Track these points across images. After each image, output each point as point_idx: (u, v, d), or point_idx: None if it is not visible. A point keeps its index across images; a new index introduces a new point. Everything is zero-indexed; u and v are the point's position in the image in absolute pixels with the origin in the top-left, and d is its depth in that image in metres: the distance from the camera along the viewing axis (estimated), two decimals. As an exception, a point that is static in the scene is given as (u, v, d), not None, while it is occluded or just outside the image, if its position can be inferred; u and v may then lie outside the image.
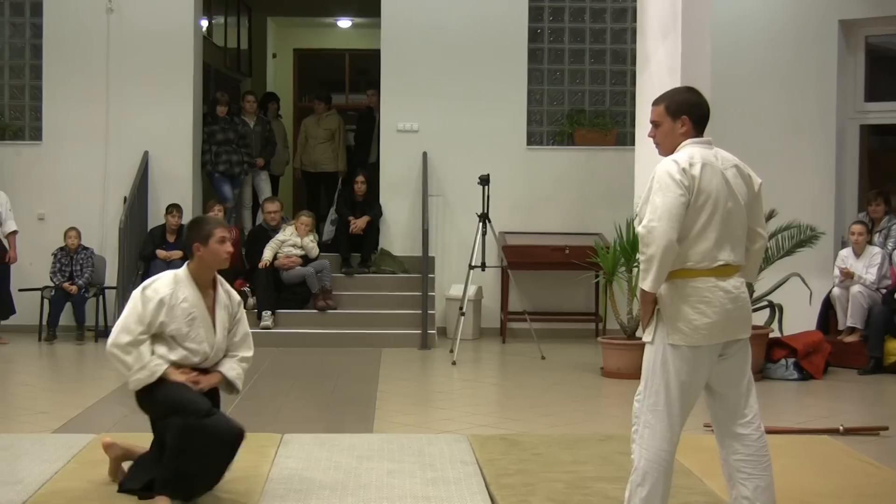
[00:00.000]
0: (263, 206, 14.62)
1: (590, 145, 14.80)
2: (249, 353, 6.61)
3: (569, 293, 14.54)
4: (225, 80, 18.23)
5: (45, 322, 13.76)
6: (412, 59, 14.99)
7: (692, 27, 11.39)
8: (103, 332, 13.83)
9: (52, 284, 13.83)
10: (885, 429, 8.71)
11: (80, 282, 13.79)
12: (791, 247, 11.63)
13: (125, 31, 14.66)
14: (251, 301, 13.65)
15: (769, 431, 8.50)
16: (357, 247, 14.82)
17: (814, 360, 11.45)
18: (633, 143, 12.37)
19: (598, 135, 14.83)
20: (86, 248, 14.06)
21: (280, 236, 13.96)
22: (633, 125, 13.13)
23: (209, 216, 6.77)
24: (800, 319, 12.14)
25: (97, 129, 14.68)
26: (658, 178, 5.31)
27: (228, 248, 6.35)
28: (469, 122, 14.87)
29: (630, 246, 11.42)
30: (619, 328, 11.80)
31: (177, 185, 14.63)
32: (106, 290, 14.12)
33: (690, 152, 5.38)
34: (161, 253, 13.81)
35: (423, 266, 13.98)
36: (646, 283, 5.28)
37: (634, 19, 13.02)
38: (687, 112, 5.49)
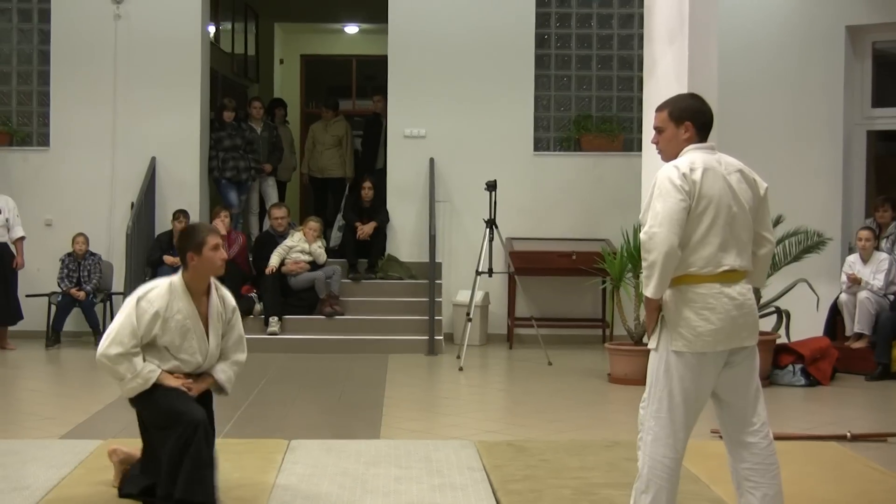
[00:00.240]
0: (270, 211, 14.62)
1: (597, 151, 14.80)
2: (243, 357, 6.55)
3: (576, 299, 14.54)
4: (232, 85, 18.25)
5: (49, 327, 13.76)
6: (419, 64, 15.00)
7: (699, 33, 11.37)
8: (110, 338, 13.84)
9: (59, 290, 13.84)
10: (893, 435, 8.69)
11: (88, 287, 13.81)
12: (798, 252, 11.63)
13: (133, 37, 14.68)
14: (258, 307, 13.66)
15: (776, 437, 8.50)
16: (364, 252, 14.84)
17: (821, 367, 11.43)
18: (640, 149, 12.38)
19: (605, 140, 14.83)
20: (93, 254, 14.07)
21: (288, 242, 13.97)
22: (640, 131, 13.14)
23: (201, 224, 6.72)
24: (807, 325, 12.11)
25: (104, 134, 14.71)
26: (658, 183, 5.30)
27: (222, 254, 6.29)
28: (476, 127, 14.88)
29: (637, 252, 11.41)
30: (626, 334, 11.79)
31: (184, 191, 14.65)
32: (113, 296, 14.13)
33: (692, 158, 5.38)
34: (168, 259, 13.80)
35: (430, 272, 13.98)
36: (649, 290, 5.27)
37: (641, 25, 13.00)
38: (690, 118, 5.48)
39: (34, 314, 13.88)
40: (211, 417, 6.37)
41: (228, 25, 18.71)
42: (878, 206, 13.01)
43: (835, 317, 12.62)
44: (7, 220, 13.62)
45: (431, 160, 14.84)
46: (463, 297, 13.90)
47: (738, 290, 5.37)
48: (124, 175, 14.63)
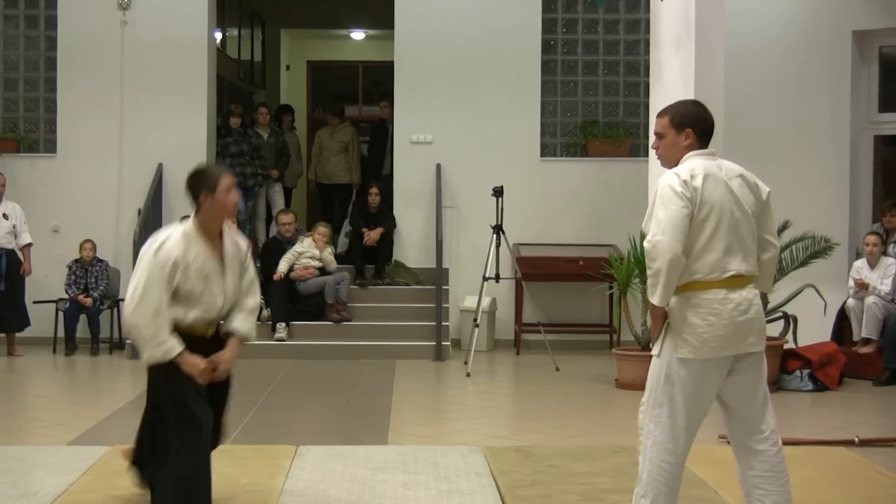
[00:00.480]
0: (277, 218, 14.62)
1: (603, 156, 14.80)
2: (256, 301, 6.41)
3: (583, 304, 14.53)
4: (238, 92, 18.28)
5: (62, 335, 13.77)
6: (425, 70, 15.01)
7: (705, 38, 11.38)
8: (118, 344, 13.89)
9: (66, 297, 13.86)
10: (901, 440, 8.69)
11: (95, 294, 13.82)
12: (805, 258, 11.61)
13: (139, 43, 14.71)
14: (266, 313, 13.66)
15: (784, 443, 8.49)
16: (371, 258, 14.84)
17: (828, 372, 11.42)
18: (646, 155, 12.38)
19: (612, 146, 14.83)
20: (100, 261, 14.09)
21: (297, 248, 13.97)
22: (646, 136, 13.14)
23: (213, 165, 6.48)
24: (814, 330, 12.10)
25: (111, 141, 14.73)
26: (660, 191, 5.31)
27: (235, 197, 6.13)
28: (482, 133, 14.88)
29: (644, 257, 11.41)
30: (634, 339, 11.78)
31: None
32: (120, 303, 14.12)
33: (692, 164, 5.39)
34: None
35: (437, 277, 13.98)
36: (655, 298, 5.28)
37: (647, 31, 13.00)
38: (691, 125, 5.49)
39: (41, 321, 13.89)
40: (220, 414, 6.33)
41: (235, 31, 18.74)
42: (885, 210, 13.01)
43: (842, 322, 12.61)
44: (14, 226, 13.62)
45: (438, 166, 14.85)
46: (470, 302, 13.90)
47: (744, 296, 5.36)
48: (131, 181, 14.66)
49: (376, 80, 20.23)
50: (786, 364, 11.43)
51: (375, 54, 20.50)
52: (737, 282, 5.34)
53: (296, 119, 17.83)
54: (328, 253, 14.05)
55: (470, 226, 14.71)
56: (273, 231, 14.90)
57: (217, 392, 6.23)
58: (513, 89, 14.94)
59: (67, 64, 14.83)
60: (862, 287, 12.19)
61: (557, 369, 12.58)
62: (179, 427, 5.92)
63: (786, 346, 11.55)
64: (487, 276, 12.97)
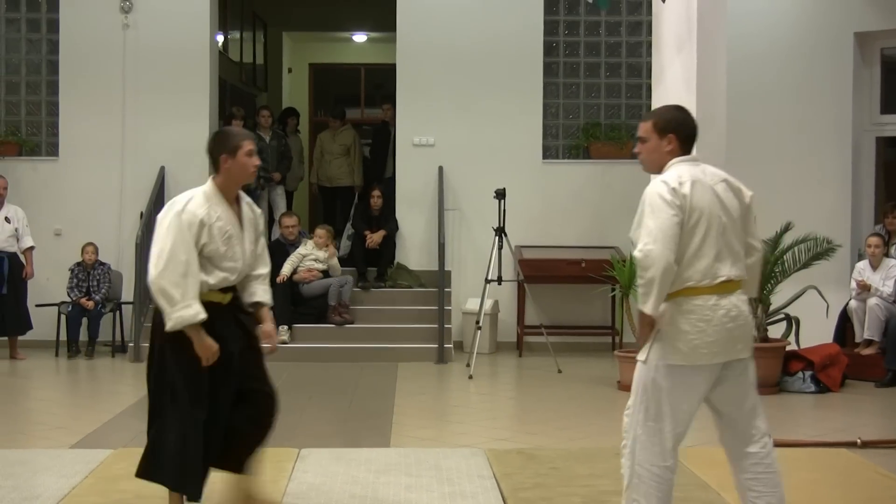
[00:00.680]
0: (281, 220, 14.61)
1: (605, 159, 14.79)
2: (268, 269, 6.34)
3: (585, 307, 14.52)
4: (240, 94, 18.29)
5: (64, 338, 13.77)
6: (427, 73, 15.01)
7: (707, 40, 11.37)
8: (120, 348, 13.88)
9: (68, 300, 13.86)
10: (904, 442, 8.69)
11: (97, 297, 13.82)
12: (807, 259, 11.60)
13: (141, 46, 14.71)
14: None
15: (787, 444, 8.51)
16: (373, 261, 14.84)
17: (831, 373, 11.41)
18: (648, 157, 12.35)
19: (614, 148, 14.82)
20: (102, 264, 14.09)
21: (301, 250, 13.97)
22: (648, 139, 13.12)
23: (235, 128, 6.35)
24: (816, 332, 12.09)
25: (113, 144, 14.74)
26: (649, 200, 5.30)
27: (256, 160, 6.06)
28: (485, 135, 14.88)
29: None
30: (636, 342, 11.76)
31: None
32: (122, 306, 14.13)
33: (678, 171, 5.38)
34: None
35: (440, 280, 13.98)
36: (647, 307, 5.25)
37: (650, 33, 13.00)
38: (674, 130, 5.48)
39: (44, 324, 13.88)
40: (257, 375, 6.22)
41: (237, 34, 18.76)
42: (887, 212, 13.01)
43: (844, 323, 12.60)
44: (16, 229, 13.63)
45: (440, 168, 14.85)
46: (472, 305, 13.90)
47: (734, 302, 5.36)
48: (133, 184, 14.66)
49: (378, 83, 20.23)
50: (788, 366, 11.42)
51: (377, 57, 20.50)
52: (727, 287, 5.34)
53: (298, 122, 17.84)
54: (335, 261, 14.10)
55: (472, 228, 14.71)
56: (276, 234, 14.88)
57: (245, 360, 6.11)
58: (515, 91, 14.94)
59: (69, 67, 14.84)
60: (864, 289, 12.19)
61: (560, 371, 12.58)
62: (174, 402, 5.90)
63: (788, 348, 11.54)
64: (490, 278, 12.97)
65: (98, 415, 9.89)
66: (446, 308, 13.92)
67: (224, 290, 6.03)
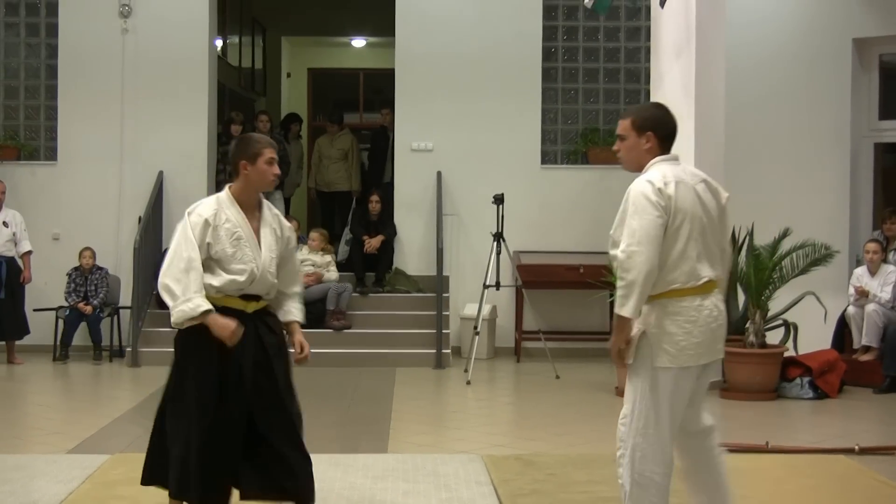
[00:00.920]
0: (280, 224, 14.58)
1: (604, 164, 14.76)
2: (299, 289, 6.34)
3: (583, 312, 14.51)
4: (239, 99, 18.29)
5: (58, 342, 13.76)
6: (426, 78, 15.00)
7: (706, 45, 11.40)
8: (118, 352, 13.87)
9: (66, 304, 13.85)
10: (902, 448, 8.68)
11: (95, 302, 13.81)
12: (806, 265, 11.60)
13: (140, 51, 14.71)
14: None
15: (785, 451, 8.51)
16: (371, 266, 14.84)
17: (829, 379, 11.41)
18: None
19: (613, 154, 14.71)
20: (100, 268, 14.08)
21: (299, 255, 13.96)
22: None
23: (258, 135, 6.33)
24: (815, 338, 12.09)
25: (112, 148, 14.73)
26: (633, 199, 5.28)
27: (276, 170, 6.03)
28: (483, 141, 14.88)
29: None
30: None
31: (191, 205, 14.59)
32: (120, 310, 14.12)
33: (662, 171, 5.36)
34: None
35: (438, 285, 13.98)
36: (626, 310, 5.22)
37: (648, 38, 13.02)
38: (652, 128, 5.47)
39: (41, 328, 13.87)
40: (288, 414, 6.14)
41: (236, 39, 18.76)
42: (885, 218, 13.00)
43: (842, 329, 12.59)
44: (14, 234, 13.63)
45: (439, 173, 14.84)
46: (470, 310, 13.89)
47: (714, 302, 5.40)
48: (132, 189, 14.65)
49: (377, 88, 20.24)
50: (786, 372, 11.43)
51: (376, 62, 20.51)
52: (708, 288, 5.37)
53: (301, 128, 17.85)
54: (333, 268, 14.11)
55: (470, 233, 14.70)
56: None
57: (268, 375, 6.05)
58: (513, 97, 14.93)
59: (68, 72, 14.84)
60: (862, 295, 12.18)
61: (558, 377, 12.57)
62: (182, 410, 5.89)
63: (786, 354, 11.55)
64: (488, 283, 12.96)
65: (95, 419, 9.88)
66: (444, 313, 13.92)
67: (247, 298, 5.98)
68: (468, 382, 12.26)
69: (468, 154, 14.89)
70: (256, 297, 6.02)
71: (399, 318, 14.27)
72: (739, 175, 12.77)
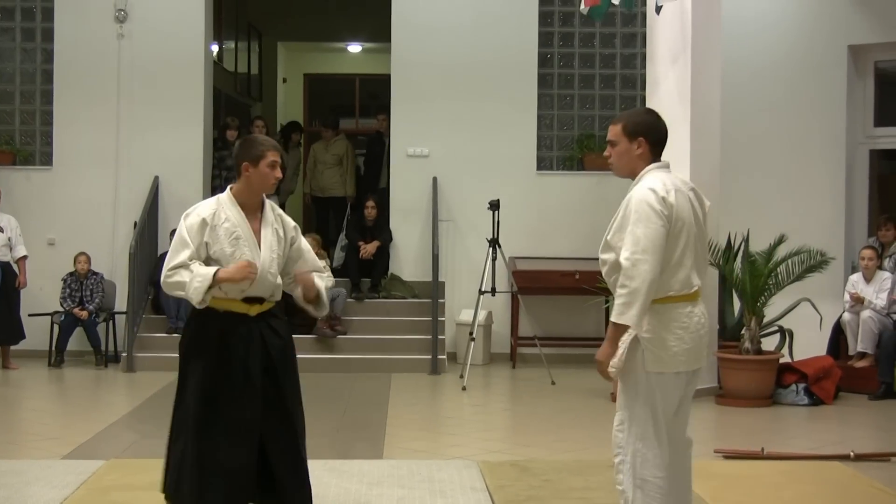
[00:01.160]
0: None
1: (600, 170, 14.71)
2: (326, 273, 6.28)
3: (579, 318, 14.50)
4: (235, 104, 18.28)
5: (53, 347, 13.75)
6: (422, 83, 15.00)
7: (702, 52, 11.41)
8: (113, 358, 13.85)
9: (62, 309, 13.83)
10: (897, 455, 8.69)
11: (91, 307, 13.79)
12: (801, 272, 11.60)
13: (136, 56, 14.70)
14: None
15: (780, 457, 8.51)
16: (367, 272, 14.83)
17: (824, 386, 11.42)
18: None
19: (608, 160, 14.78)
20: (95, 273, 14.06)
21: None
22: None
23: (263, 137, 6.27)
24: (810, 344, 12.10)
25: (108, 153, 14.71)
26: (636, 207, 5.26)
27: (278, 173, 5.98)
28: (479, 147, 14.87)
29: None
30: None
31: (187, 210, 14.60)
32: (116, 315, 14.11)
33: (661, 179, 5.36)
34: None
35: (433, 291, 13.97)
36: (628, 318, 5.18)
37: (644, 44, 13.03)
38: (644, 133, 5.46)
39: (37, 334, 13.85)
40: (294, 432, 6.10)
41: (231, 44, 18.75)
42: (880, 224, 13.02)
43: (838, 336, 12.60)
44: (9, 239, 13.62)
45: (434, 179, 14.84)
46: (466, 316, 13.89)
47: (701, 310, 5.44)
48: (127, 194, 14.63)
49: (373, 94, 20.24)
50: (782, 378, 11.43)
51: (372, 67, 20.51)
52: (697, 295, 5.41)
53: (301, 136, 17.86)
54: (329, 280, 14.07)
55: (466, 239, 14.70)
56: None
57: (274, 384, 6.00)
58: (509, 103, 14.93)
59: (64, 76, 14.82)
60: (858, 301, 12.19)
61: (553, 383, 12.57)
62: (184, 420, 5.81)
63: (782, 361, 11.56)
64: (483, 289, 12.97)
65: (90, 425, 9.87)
66: (440, 319, 13.91)
67: (249, 301, 5.91)
68: (464, 388, 12.26)
69: (464, 160, 14.88)
70: (260, 300, 5.95)
71: (395, 323, 14.26)
72: (735, 181, 12.80)
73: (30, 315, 13.89)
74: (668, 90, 11.57)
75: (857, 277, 12.49)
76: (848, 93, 13.74)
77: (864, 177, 14.01)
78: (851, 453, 8.56)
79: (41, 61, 14.99)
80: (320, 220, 17.06)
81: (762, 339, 11.53)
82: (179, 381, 5.94)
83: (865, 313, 12.10)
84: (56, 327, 13.79)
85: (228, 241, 5.83)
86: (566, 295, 14.19)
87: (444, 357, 13.71)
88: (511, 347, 14.43)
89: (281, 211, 6.18)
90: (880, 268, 12.45)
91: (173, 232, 13.79)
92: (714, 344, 11.33)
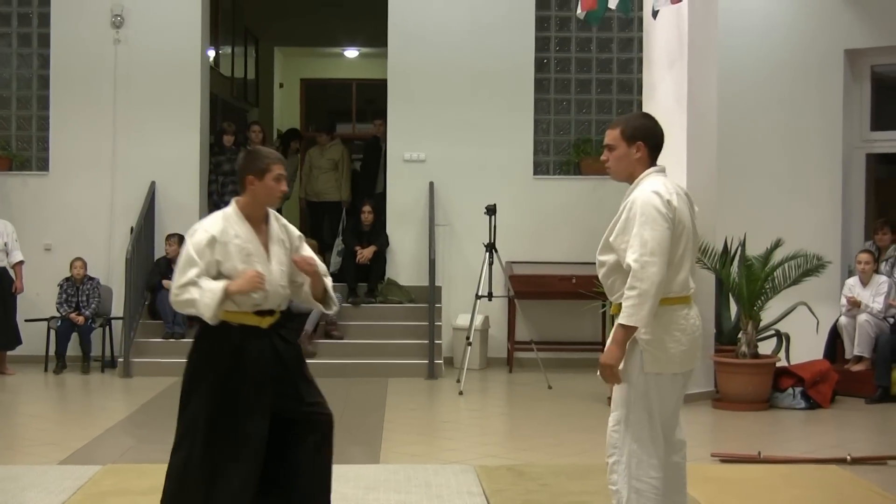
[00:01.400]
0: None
1: (596, 175, 14.75)
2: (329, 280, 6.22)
3: (575, 322, 14.50)
4: (232, 109, 18.28)
5: (52, 353, 13.73)
6: (419, 88, 15.01)
7: (698, 56, 11.42)
8: (110, 363, 13.84)
9: (58, 315, 13.82)
10: (893, 458, 8.67)
11: (87, 312, 13.78)
12: (798, 276, 11.60)
13: (132, 61, 14.69)
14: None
15: (777, 461, 8.51)
16: (364, 277, 14.83)
17: (821, 389, 11.42)
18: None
19: (605, 164, 14.77)
20: (92, 279, 14.06)
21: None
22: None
23: (267, 150, 6.19)
24: (807, 348, 12.10)
25: (104, 159, 14.71)
26: (643, 210, 5.28)
27: (284, 186, 5.92)
28: (475, 151, 14.87)
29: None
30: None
31: (183, 215, 14.59)
32: (112, 321, 14.10)
33: (664, 183, 5.40)
34: (167, 283, 13.78)
35: (430, 296, 13.97)
36: (638, 319, 5.21)
37: (641, 49, 13.03)
38: (642, 137, 5.49)
39: (33, 339, 13.83)
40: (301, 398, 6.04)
41: (228, 49, 18.76)
42: (877, 228, 13.02)
43: (835, 340, 12.60)
44: (6, 244, 13.61)
45: (431, 184, 14.84)
46: (463, 320, 13.88)
47: (696, 312, 5.49)
48: (124, 199, 14.62)
49: (370, 98, 20.24)
50: (778, 382, 11.43)
51: (369, 72, 20.52)
52: (691, 297, 5.44)
53: (301, 143, 17.87)
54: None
55: (463, 244, 14.70)
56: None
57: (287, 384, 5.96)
58: (506, 107, 14.93)
59: (60, 82, 14.81)
60: (854, 305, 12.19)
61: (550, 387, 12.57)
62: (190, 433, 5.74)
63: (778, 364, 11.55)
64: (480, 294, 12.96)
65: (87, 430, 9.86)
66: (437, 324, 13.90)
67: (261, 314, 5.85)
68: (460, 393, 12.25)
69: (460, 164, 14.88)
70: (270, 312, 5.91)
71: (391, 328, 14.26)
72: (731, 185, 12.80)
73: (26, 320, 13.88)
74: (664, 94, 11.58)
75: (853, 281, 12.49)
76: (844, 97, 13.75)
77: (861, 181, 14.01)
78: (848, 457, 8.56)
79: (38, 66, 14.98)
80: (315, 224, 17.04)
81: (759, 343, 11.53)
82: (186, 391, 5.85)
83: (862, 317, 12.10)
84: (53, 332, 13.78)
85: (240, 258, 5.76)
86: (563, 299, 14.19)
87: (441, 362, 13.70)
88: (508, 352, 14.42)
89: (284, 220, 6.14)
90: (877, 271, 12.45)
91: (169, 237, 13.91)
92: (709, 347, 11.33)
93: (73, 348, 13.87)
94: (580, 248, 14.43)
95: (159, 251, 14.51)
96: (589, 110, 15.22)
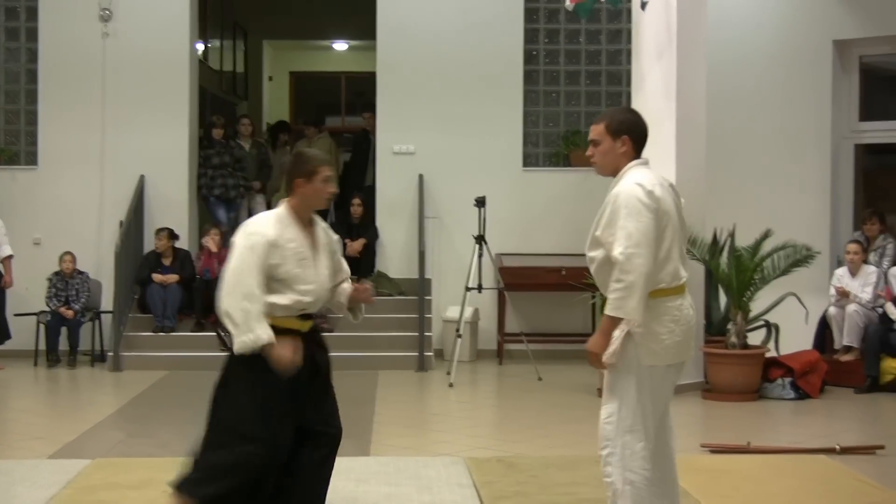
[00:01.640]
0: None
1: (586, 166, 14.56)
2: (349, 273, 6.37)
3: (565, 314, 14.50)
4: (221, 103, 18.25)
5: (43, 348, 13.70)
6: (408, 81, 14.99)
7: (687, 48, 11.42)
8: (99, 357, 13.82)
9: (47, 309, 13.80)
10: (882, 447, 8.69)
11: (76, 306, 13.76)
12: (787, 266, 11.61)
13: (121, 55, 14.66)
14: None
15: (766, 451, 8.53)
16: (353, 269, 14.64)
17: (810, 380, 11.44)
18: (628, 164, 12.37)
19: (593, 157, 14.79)
20: (81, 273, 14.04)
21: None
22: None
23: (314, 152, 6.18)
24: (796, 339, 12.12)
25: (93, 153, 14.68)
26: (626, 202, 5.31)
27: (332, 188, 5.94)
28: (465, 144, 14.87)
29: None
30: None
31: (173, 209, 14.62)
32: (102, 315, 14.08)
33: (645, 174, 5.43)
34: (157, 277, 13.80)
35: (420, 288, 13.96)
36: (622, 311, 5.24)
37: (630, 41, 13.03)
38: (627, 132, 5.52)
39: (23, 333, 13.80)
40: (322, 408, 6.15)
41: (217, 43, 18.73)
42: (866, 219, 13.03)
43: (824, 330, 12.62)
44: (-5, 239, 13.62)
45: (420, 176, 14.83)
46: (453, 313, 13.89)
47: (689, 302, 5.52)
48: (113, 193, 14.59)
49: (359, 91, 20.22)
50: (768, 372, 11.44)
51: (358, 65, 20.51)
52: (684, 287, 5.46)
53: (289, 136, 17.84)
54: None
55: (452, 236, 14.69)
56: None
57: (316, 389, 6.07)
58: (495, 100, 14.93)
59: (49, 76, 14.78)
60: (843, 295, 12.21)
61: (540, 379, 12.57)
62: (234, 428, 5.74)
63: (768, 355, 11.57)
64: (470, 286, 12.97)
65: (76, 425, 9.85)
66: (426, 316, 13.90)
67: (303, 317, 5.89)
68: (450, 385, 12.26)
69: (450, 157, 14.87)
70: (311, 316, 5.96)
71: (381, 321, 14.23)
72: (720, 176, 12.80)
73: (15, 315, 13.85)
74: (653, 86, 11.58)
75: (842, 271, 12.51)
76: (833, 88, 13.76)
77: (850, 171, 14.03)
78: (837, 447, 8.57)
79: (25, 61, 14.95)
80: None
81: (748, 334, 11.54)
82: (226, 390, 5.84)
83: (851, 307, 12.12)
84: (42, 327, 13.76)
85: (296, 262, 5.77)
86: (553, 291, 14.19)
87: (431, 354, 13.70)
88: (498, 344, 14.43)
89: (325, 224, 6.16)
90: (866, 262, 12.47)
91: (159, 231, 13.84)
92: (699, 338, 11.34)
93: (61, 342, 13.84)
94: (570, 240, 14.40)
95: (149, 245, 14.48)
96: (578, 102, 15.22)
